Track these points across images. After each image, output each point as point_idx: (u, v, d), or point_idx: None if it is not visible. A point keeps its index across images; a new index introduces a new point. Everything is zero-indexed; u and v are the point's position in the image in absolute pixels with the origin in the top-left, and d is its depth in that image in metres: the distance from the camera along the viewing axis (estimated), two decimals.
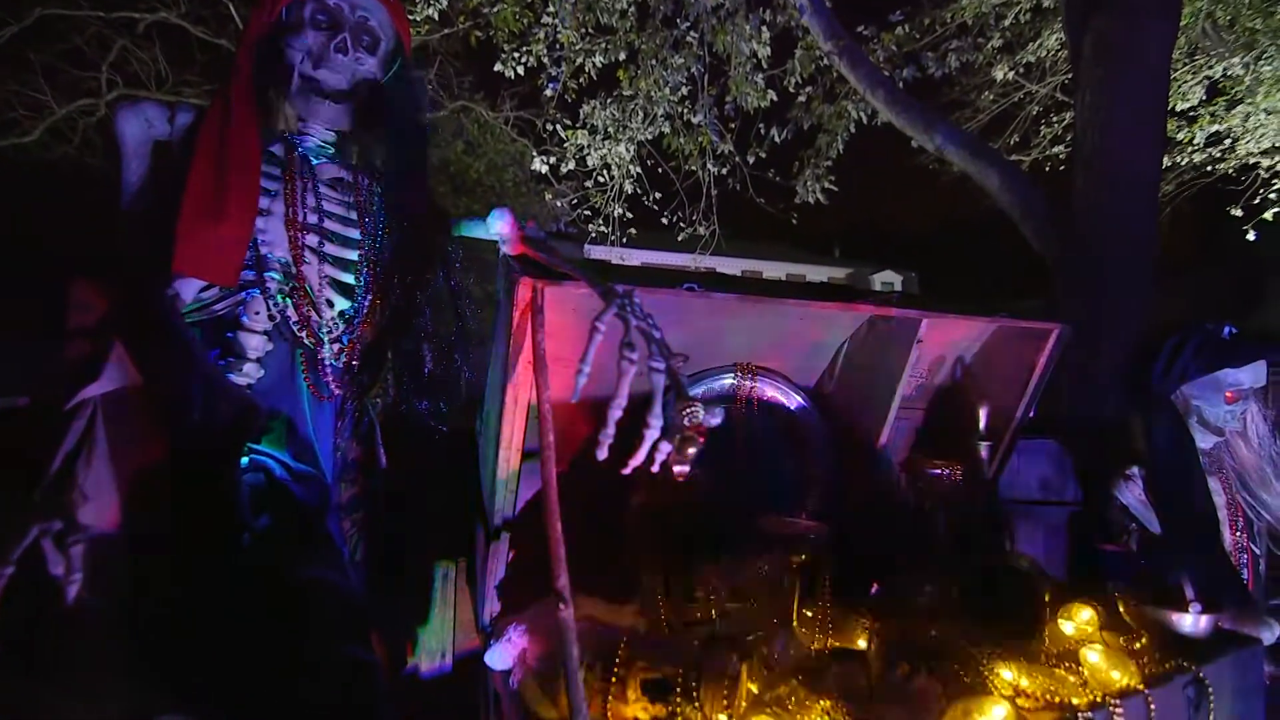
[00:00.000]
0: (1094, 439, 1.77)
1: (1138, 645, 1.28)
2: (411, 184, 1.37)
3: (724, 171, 5.52)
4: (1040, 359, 1.56)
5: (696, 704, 0.97)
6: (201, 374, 1.11)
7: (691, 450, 0.78)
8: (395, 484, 1.34)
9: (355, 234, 1.30)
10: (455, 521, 1.39)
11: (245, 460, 1.20)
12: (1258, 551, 1.73)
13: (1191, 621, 1.25)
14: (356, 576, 1.29)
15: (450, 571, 1.46)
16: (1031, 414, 1.93)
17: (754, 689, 1.12)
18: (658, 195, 5.78)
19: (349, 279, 1.29)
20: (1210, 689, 1.21)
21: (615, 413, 0.78)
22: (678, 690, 0.98)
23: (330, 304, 1.28)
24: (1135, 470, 1.61)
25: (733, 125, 5.20)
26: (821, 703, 1.03)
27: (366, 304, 1.30)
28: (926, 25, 5.22)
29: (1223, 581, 1.45)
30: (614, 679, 1.01)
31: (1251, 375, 1.60)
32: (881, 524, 1.40)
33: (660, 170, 5.64)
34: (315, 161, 1.34)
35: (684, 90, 4.95)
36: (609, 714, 1.01)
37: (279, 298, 1.24)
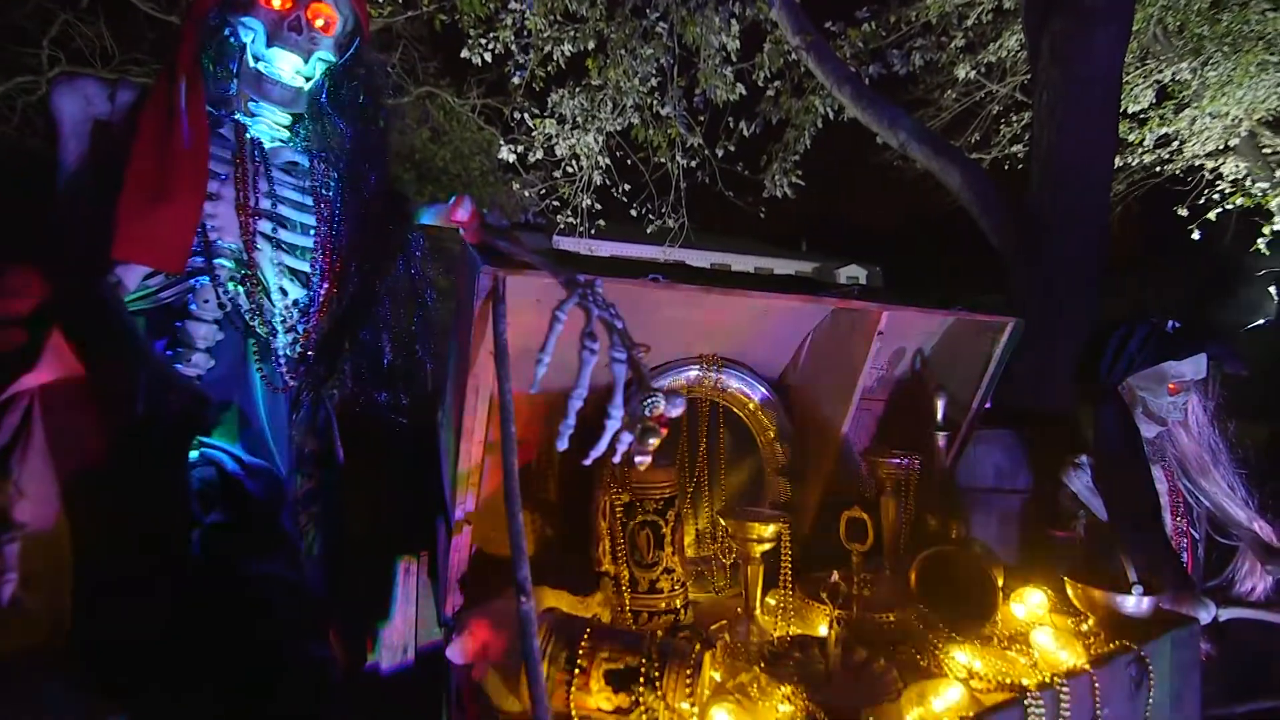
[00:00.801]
0: (1046, 429, 1.83)
1: (1084, 627, 1.34)
2: (370, 170, 1.33)
3: (693, 164, 5.53)
4: (996, 351, 1.60)
5: (659, 693, 0.97)
6: (147, 364, 1.07)
7: (653, 441, 0.78)
8: (354, 477, 1.31)
9: (311, 220, 1.27)
10: (416, 515, 1.37)
11: (195, 454, 1.16)
12: (1197, 536, 1.81)
13: (1134, 603, 1.31)
14: (313, 572, 1.26)
15: (412, 566, 1.44)
16: (988, 405, 1.98)
17: (717, 677, 1.13)
18: (627, 187, 5.76)
19: (304, 267, 1.25)
20: (1151, 667, 1.26)
21: (575, 403, 0.77)
22: (641, 680, 0.98)
23: (284, 292, 1.24)
24: (1084, 459, 1.67)
25: (702, 118, 5.21)
26: (782, 689, 1.05)
27: (322, 293, 1.27)
28: (892, 23, 5.30)
29: (1164, 565, 1.51)
30: (577, 670, 1.00)
31: (1193, 368, 1.67)
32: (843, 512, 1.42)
33: (629, 162, 5.62)
34: (268, 145, 1.29)
35: (653, 81, 4.94)
36: (572, 705, 1.01)
37: (230, 285, 1.20)
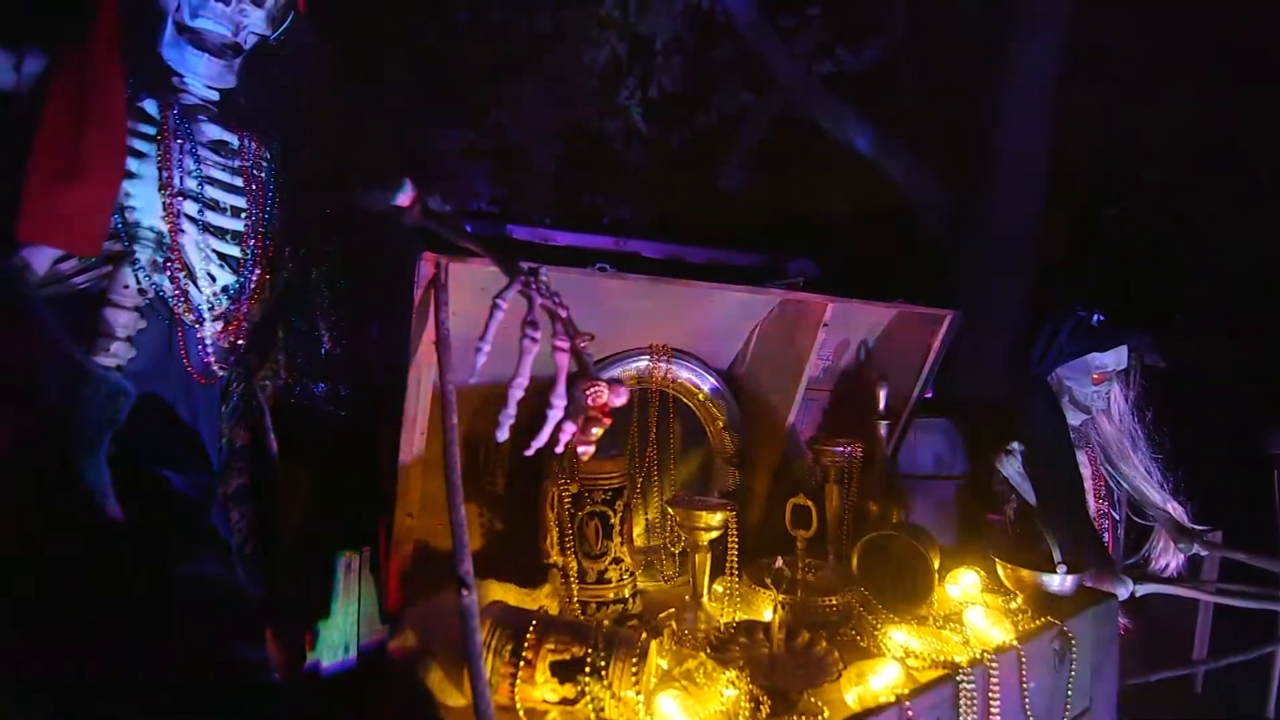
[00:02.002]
0: (981, 417, 1.91)
1: (1014, 605, 1.40)
2: (307, 150, 1.27)
3: (648, 155, 5.51)
4: (934, 343, 1.65)
5: (605, 682, 0.98)
6: (57, 354, 1.00)
7: (596, 430, 0.77)
8: (290, 472, 1.26)
9: (240, 202, 1.20)
10: (358, 509, 1.33)
11: (114, 449, 1.09)
12: (1117, 517, 1.93)
13: (1059, 581, 1.38)
14: (247, 571, 1.21)
15: (354, 561, 1.39)
16: (930, 395, 2.05)
17: (664, 664, 1.14)
18: (582, 176, 5.70)
19: (233, 251, 1.19)
20: (1073, 640, 1.34)
21: (516, 392, 0.76)
22: (587, 669, 0.98)
23: (212, 278, 1.17)
24: (1015, 446, 1.75)
25: (657, 110, 5.19)
26: (727, 673, 1.06)
27: (254, 279, 1.21)
28: (842, 21, 5.38)
29: (1086, 545, 1.61)
30: (522, 662, 1.00)
31: (1115, 359, 1.77)
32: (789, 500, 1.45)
33: (585, 151, 5.56)
34: (195, 122, 1.22)
35: (607, 71, 4.89)
36: (517, 697, 1.00)
37: (151, 271, 1.13)
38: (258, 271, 1.21)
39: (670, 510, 1.37)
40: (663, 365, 1.53)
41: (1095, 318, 1.74)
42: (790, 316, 1.55)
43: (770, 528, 1.54)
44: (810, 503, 1.41)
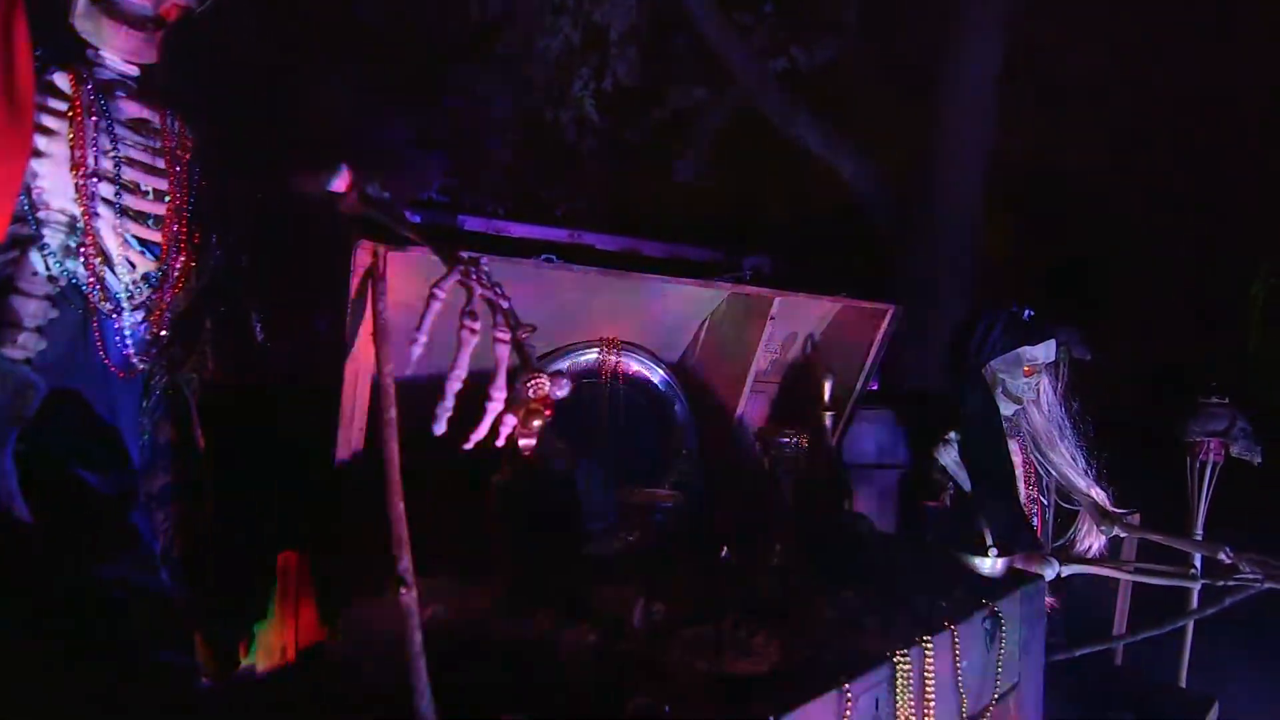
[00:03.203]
0: (921, 408, 1.98)
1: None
2: (235, 131, 1.21)
3: (603, 147, 5.48)
4: (877, 336, 1.70)
5: None
6: None
7: (537, 423, 0.76)
8: (220, 469, 1.21)
9: (162, 184, 1.13)
10: (297, 507, 1.28)
11: (23, 447, 1.02)
12: (1046, 502, 2.03)
13: (990, 564, 1.44)
14: (173, 574, 1.15)
15: (292, 562, 1.35)
16: (874, 386, 2.11)
17: None
18: (536, 167, 5.63)
19: (155, 236, 1.12)
20: (1003, 620, 1.40)
21: (454, 384, 0.74)
22: None
23: (131, 265, 1.11)
24: (953, 435, 1.82)
25: (612, 102, 5.17)
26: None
27: (178, 266, 1.14)
28: (796, 20, 5.46)
29: (1016, 529, 1.69)
30: None
31: (1044, 352, 1.86)
32: (736, 491, 1.47)
33: (539, 142, 5.49)
34: (112, 99, 1.14)
35: (561, 60, 4.84)
36: None
37: (63, 256, 1.06)
38: (182, 258, 1.15)
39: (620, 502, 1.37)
40: (613, 358, 1.53)
41: (1026, 313, 1.82)
42: (739, 310, 1.56)
43: (720, 518, 1.56)
44: (757, 493, 1.44)
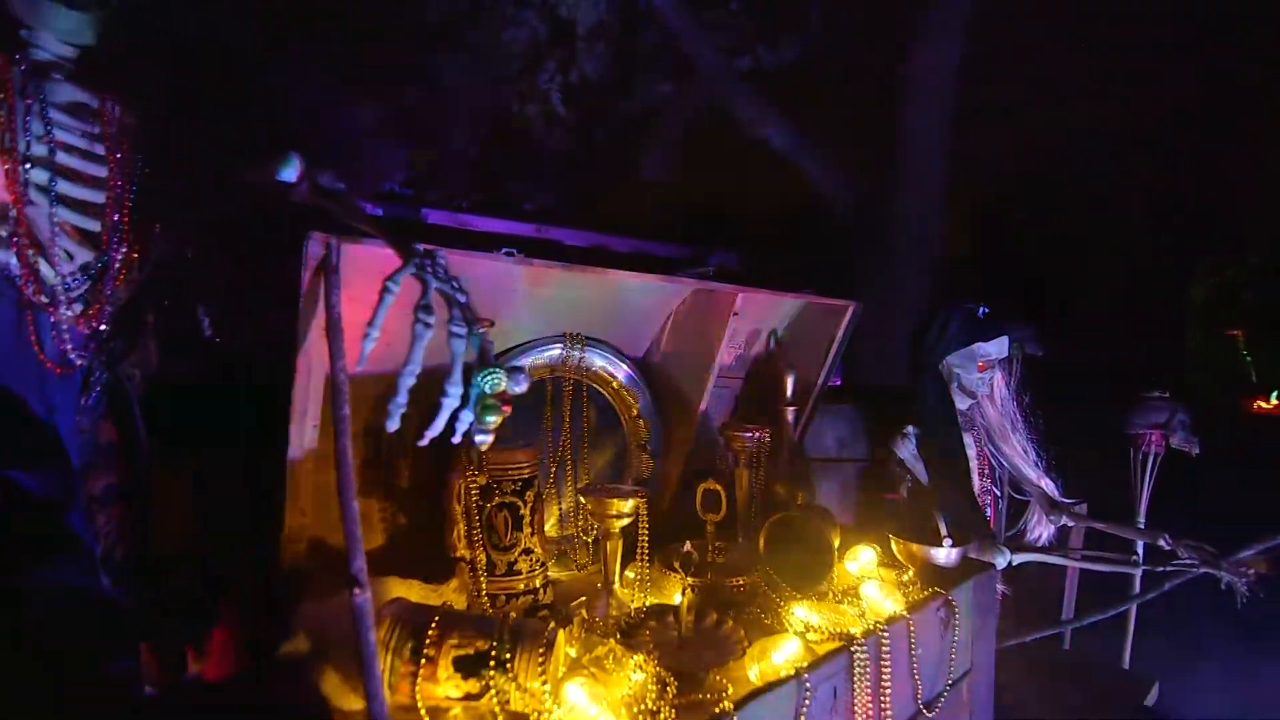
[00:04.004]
0: (881, 403, 2.02)
1: (905, 578, 1.49)
2: (181, 116, 1.16)
3: (570, 142, 5.44)
4: (838, 332, 1.73)
5: (511, 674, 0.96)
6: None
7: (493, 419, 0.75)
8: (166, 469, 1.16)
9: (101, 171, 1.08)
10: (249, 507, 1.24)
11: None
12: (999, 494, 2.10)
13: (945, 554, 1.48)
14: (116, 578, 1.10)
15: (243, 563, 1.31)
16: (838, 381, 2.14)
17: (573, 653, 1.14)
18: (502, 161, 5.56)
19: (93, 226, 1.07)
20: (957, 608, 1.44)
21: (407, 380, 0.73)
22: (491, 663, 0.96)
23: (69, 256, 1.06)
24: (910, 429, 1.87)
25: (579, 96, 5.13)
26: (635, 657, 1.07)
27: (119, 256, 1.09)
28: (762, 19, 5.50)
29: (970, 519, 1.74)
30: (424, 660, 0.96)
31: (997, 348, 1.92)
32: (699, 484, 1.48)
33: (505, 135, 5.42)
34: (47, 81, 1.09)
35: (528, 53, 4.78)
36: (419, 696, 0.97)
37: None
38: (124, 249, 1.10)
39: (582, 499, 1.37)
40: (576, 353, 1.52)
41: (981, 310, 1.87)
42: (702, 306, 1.57)
43: (683, 513, 1.57)
44: (720, 487, 1.45)
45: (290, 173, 1.00)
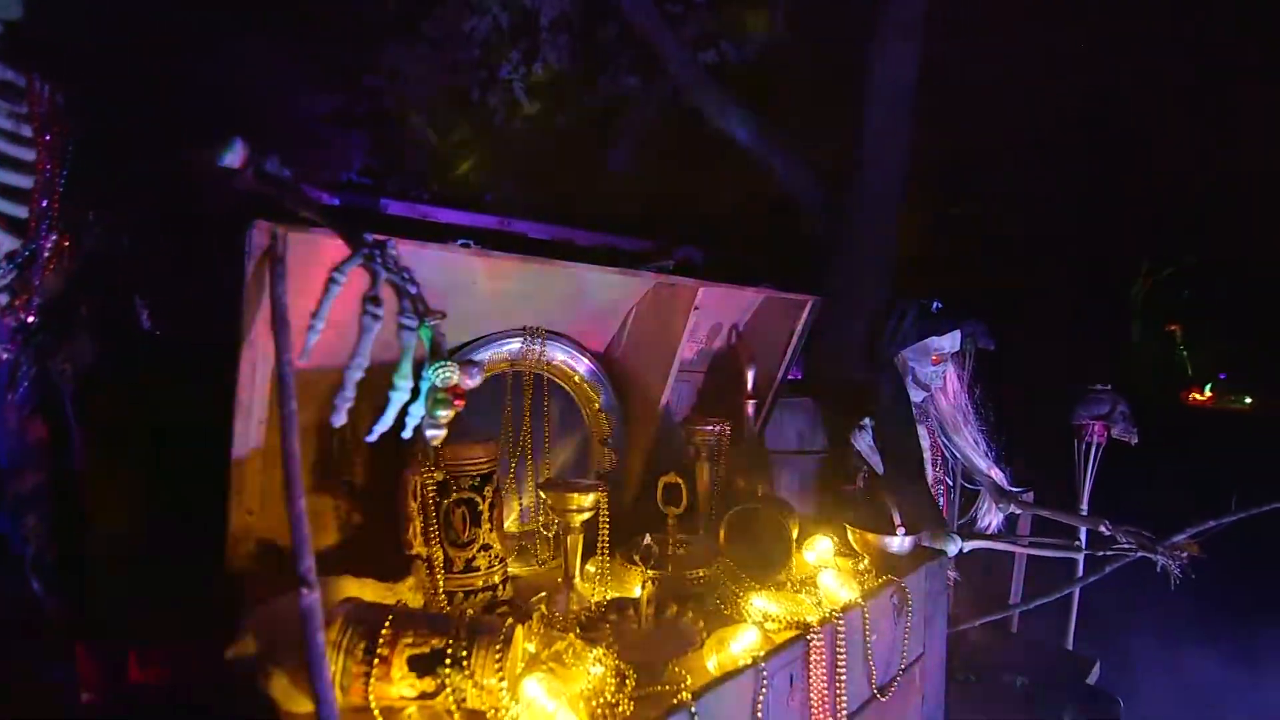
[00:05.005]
0: (840, 396, 2.06)
1: (861, 566, 1.53)
2: (119, 98, 1.11)
3: (534, 134, 5.38)
4: (797, 326, 1.75)
5: (467, 672, 0.95)
6: None
7: (445, 413, 0.74)
8: (103, 469, 1.11)
9: (28, 155, 1.03)
10: (192, 507, 1.20)
11: None
12: (951, 483, 2.16)
13: (898, 543, 1.52)
14: (46, 583, 1.05)
15: (188, 565, 1.26)
16: (799, 376, 2.17)
17: (532, 648, 1.13)
18: (464, 151, 5.46)
19: (20, 213, 1.02)
20: (909, 594, 1.48)
21: (354, 374, 0.71)
22: (447, 661, 0.95)
23: None
24: (867, 421, 1.91)
25: (542, 87, 5.07)
26: (595, 651, 1.07)
27: (49, 245, 1.04)
28: (727, 13, 5.52)
29: (923, 509, 1.79)
30: (377, 660, 0.95)
31: (950, 342, 1.97)
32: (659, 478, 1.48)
33: (466, 125, 5.32)
34: None
35: (490, 42, 4.70)
36: (372, 697, 0.95)
37: None
38: (54, 237, 1.04)
39: (543, 494, 1.36)
40: (537, 347, 1.51)
41: (934, 305, 1.92)
42: (664, 300, 1.57)
43: (645, 507, 1.57)
44: (680, 480, 1.45)
45: (233, 158, 0.96)
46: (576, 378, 1.60)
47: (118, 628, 1.18)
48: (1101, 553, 1.96)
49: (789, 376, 1.89)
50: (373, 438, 0.73)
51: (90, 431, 1.08)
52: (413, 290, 0.76)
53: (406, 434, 0.75)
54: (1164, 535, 1.87)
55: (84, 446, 1.08)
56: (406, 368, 0.73)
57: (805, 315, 1.75)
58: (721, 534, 1.46)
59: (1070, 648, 2.51)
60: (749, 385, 1.69)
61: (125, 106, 1.14)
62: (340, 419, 0.72)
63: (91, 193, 1.07)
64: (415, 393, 0.73)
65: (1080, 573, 2.46)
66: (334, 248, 0.91)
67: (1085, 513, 2.49)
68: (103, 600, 1.16)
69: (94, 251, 1.07)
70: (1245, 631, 3.08)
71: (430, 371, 0.72)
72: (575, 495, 1.26)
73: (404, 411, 0.74)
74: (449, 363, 0.73)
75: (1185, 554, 1.84)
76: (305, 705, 0.97)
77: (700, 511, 1.58)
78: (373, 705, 0.95)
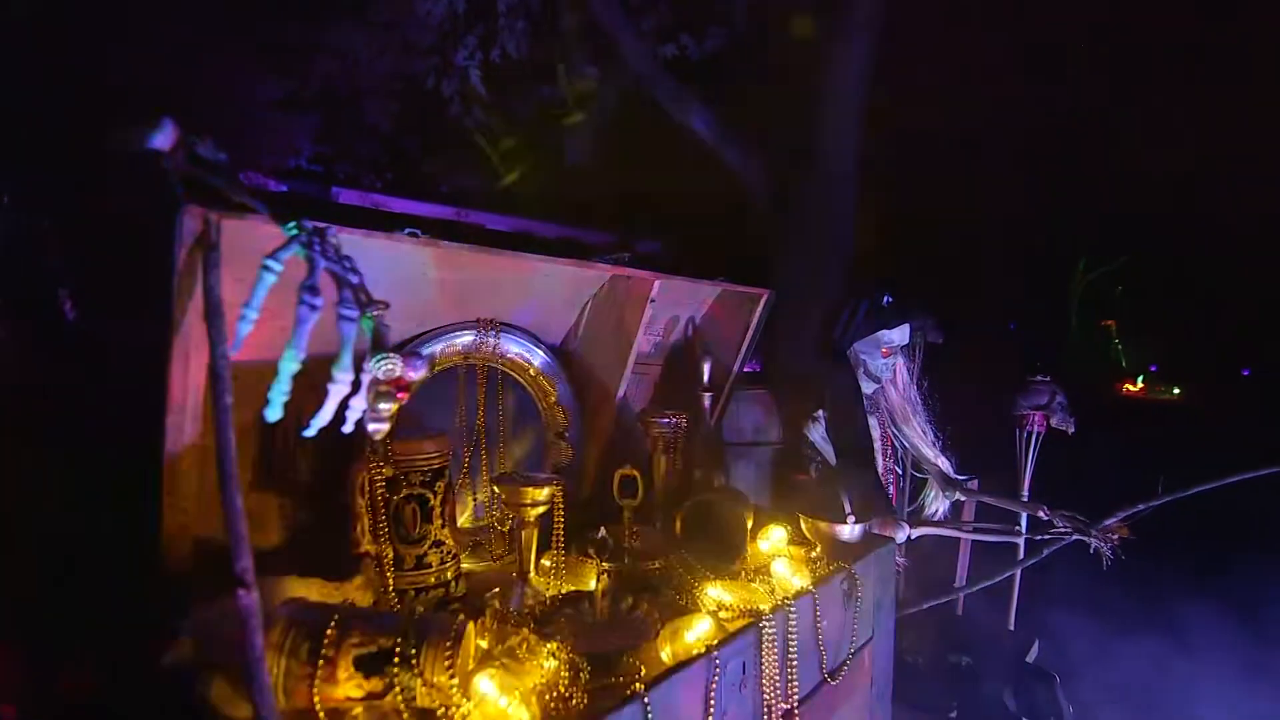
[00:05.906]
0: (794, 388, 2.10)
1: (813, 554, 1.56)
2: (31, 74, 1.04)
3: (492, 123, 5.29)
4: (752, 320, 1.77)
5: (416, 670, 0.93)
6: None
7: (387, 406, 0.72)
8: (20, 464, 1.04)
9: None
10: (122, 509, 1.14)
11: None
12: (900, 472, 2.23)
13: (849, 531, 1.56)
14: None
15: (123, 565, 1.20)
16: (757, 368, 2.19)
17: (485, 645, 1.12)
18: (418, 140, 5.33)
19: None
20: (859, 581, 1.52)
21: (289, 365, 0.68)
22: (395, 660, 0.93)
23: None
24: (820, 413, 1.95)
25: (499, 76, 4.98)
26: (549, 645, 1.07)
27: None
28: (687, 8, 5.52)
29: (872, 498, 1.83)
30: (322, 661, 0.92)
31: (900, 335, 2.02)
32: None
33: (421, 112, 5.19)
34: None
35: (445, 27, 4.59)
36: (317, 699, 0.92)
37: None
38: None
39: (496, 488, 1.34)
40: (491, 339, 1.48)
41: (885, 299, 1.97)
42: (620, 293, 1.57)
43: (602, 499, 1.57)
44: (636, 472, 1.46)
45: (163, 139, 0.91)
46: (532, 370, 1.58)
47: (42, 633, 1.12)
48: (1040, 536, 2.05)
49: (748, 369, 1.91)
50: (311, 432, 0.71)
51: (8, 429, 1.02)
52: (354, 280, 0.74)
53: (347, 428, 0.72)
54: (1097, 519, 1.97)
55: (3, 443, 1.02)
56: (347, 360, 0.70)
57: (760, 309, 1.77)
58: (678, 525, 1.47)
59: (1011, 628, 2.63)
60: (705, 377, 1.70)
61: (39, 83, 1.07)
62: (275, 413, 0.69)
63: (8, 179, 1.00)
64: (356, 386, 0.71)
65: (1021, 556, 2.57)
66: (272, 235, 0.88)
67: (1026, 499, 2.60)
68: (25, 604, 1.09)
69: (10, 238, 1.01)
70: (1167, 607, 3.29)
71: (372, 363, 0.70)
72: (529, 489, 1.25)
73: (345, 405, 0.71)
74: (391, 354, 0.71)
75: (1116, 536, 1.94)
76: (247, 710, 0.94)
77: (657, 504, 1.58)
78: (318, 707, 0.92)
